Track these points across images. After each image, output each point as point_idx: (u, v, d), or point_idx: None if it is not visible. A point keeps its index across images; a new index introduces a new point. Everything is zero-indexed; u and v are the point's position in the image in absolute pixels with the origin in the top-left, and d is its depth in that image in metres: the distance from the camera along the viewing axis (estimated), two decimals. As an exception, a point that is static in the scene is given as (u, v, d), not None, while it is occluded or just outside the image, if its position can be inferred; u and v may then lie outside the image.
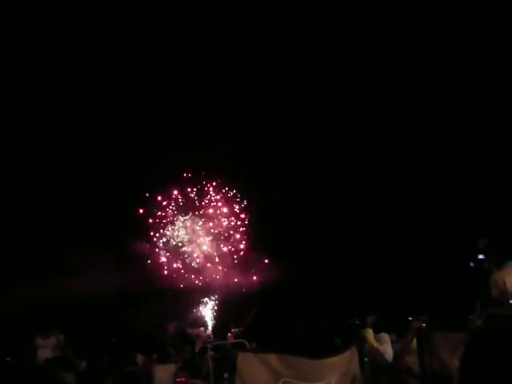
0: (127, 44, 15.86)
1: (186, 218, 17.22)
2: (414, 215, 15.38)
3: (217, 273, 16.95)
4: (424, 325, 4.58)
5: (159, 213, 17.08)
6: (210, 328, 14.03)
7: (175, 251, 17.05)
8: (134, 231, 16.24)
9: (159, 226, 17.03)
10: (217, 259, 17.06)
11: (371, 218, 16.23)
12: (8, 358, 9.99)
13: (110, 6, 14.97)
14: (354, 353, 3.45)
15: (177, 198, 17.20)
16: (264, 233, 17.16)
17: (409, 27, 15.16)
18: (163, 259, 16.77)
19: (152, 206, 16.91)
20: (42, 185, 15.29)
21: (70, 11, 14.89)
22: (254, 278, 16.37)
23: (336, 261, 15.92)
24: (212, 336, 12.62)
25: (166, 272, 16.67)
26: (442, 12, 14.63)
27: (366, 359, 3.84)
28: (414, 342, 5.90)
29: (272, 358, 3.26)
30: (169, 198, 17.20)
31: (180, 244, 17.09)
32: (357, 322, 7.39)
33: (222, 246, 17.34)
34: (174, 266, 16.84)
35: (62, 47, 15.41)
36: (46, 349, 9.56)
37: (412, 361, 5.75)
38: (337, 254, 16.03)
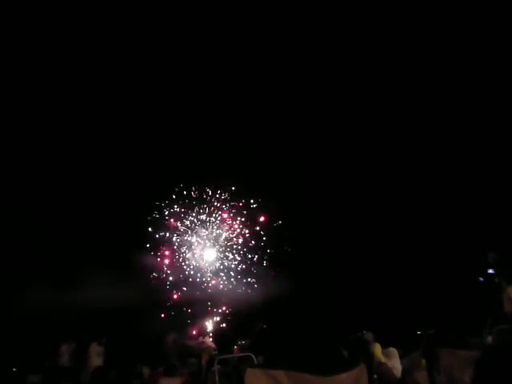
0: (141, 74, 16.10)
1: (193, 227, 17.25)
2: (423, 228, 15.23)
3: (222, 285, 16.90)
4: (432, 341, 4.53)
5: (167, 223, 17.11)
6: (210, 339, 13.91)
7: (180, 263, 17.06)
8: (139, 245, 16.30)
9: (166, 238, 17.06)
10: (222, 272, 17.03)
11: (379, 230, 16.10)
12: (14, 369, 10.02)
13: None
14: (363, 370, 3.40)
15: (184, 212, 17.26)
16: (271, 245, 17.12)
17: (409, 27, 15.13)
18: (168, 271, 16.76)
19: (159, 221, 16.97)
20: (56, 199, 15.44)
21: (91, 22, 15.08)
22: (261, 290, 16.26)
23: (343, 273, 15.80)
24: (216, 348, 12.53)
25: (168, 286, 16.63)
26: (442, 12, 14.63)
27: (374, 376, 3.79)
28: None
29: (280, 375, 3.23)
30: (176, 213, 17.25)
31: (185, 255, 17.09)
32: (364, 335, 7.26)
33: (228, 257, 17.31)
34: (180, 277, 16.81)
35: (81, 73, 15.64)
36: (99, 357, 9.67)
37: (421, 376, 5.69)
38: (344, 266, 15.91)
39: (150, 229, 16.68)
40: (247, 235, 17.25)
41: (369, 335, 6.90)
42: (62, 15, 14.93)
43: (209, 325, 16.02)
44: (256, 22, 15.78)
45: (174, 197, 17.03)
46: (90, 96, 16.00)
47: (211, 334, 15.07)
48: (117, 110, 16.36)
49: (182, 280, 16.79)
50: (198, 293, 16.53)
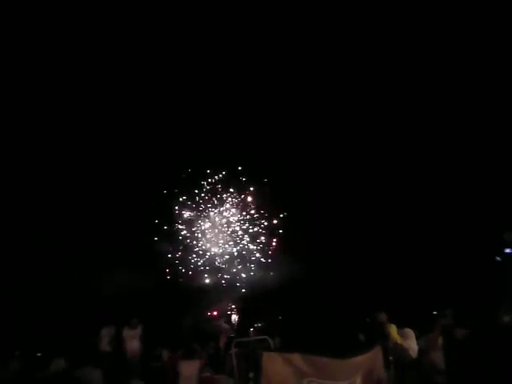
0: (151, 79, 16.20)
1: (212, 214, 17.41)
2: (439, 210, 15.15)
3: (238, 269, 17.08)
4: (449, 321, 4.52)
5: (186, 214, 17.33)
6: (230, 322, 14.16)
7: (199, 249, 17.28)
8: (161, 233, 16.63)
9: (185, 226, 17.31)
10: (238, 257, 17.20)
11: (396, 211, 16.07)
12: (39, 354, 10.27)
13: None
14: (379, 352, 3.43)
15: (203, 199, 17.44)
16: (288, 230, 17.17)
17: (409, 27, 15.01)
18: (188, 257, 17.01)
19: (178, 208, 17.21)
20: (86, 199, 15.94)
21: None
22: (276, 274, 16.38)
23: (359, 256, 15.83)
24: (232, 330, 12.70)
25: (190, 271, 16.89)
26: (442, 12, 14.44)
27: (390, 358, 3.81)
28: (440, 338, 5.83)
29: (296, 358, 3.28)
30: (192, 199, 17.42)
31: (204, 241, 17.29)
32: (377, 315, 7.21)
33: (246, 243, 17.44)
34: (198, 263, 17.04)
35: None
36: (134, 339, 9.55)
37: (437, 357, 5.69)
38: (360, 248, 15.94)
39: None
40: (265, 222, 17.36)
41: (382, 315, 6.87)
42: (62, 15, 15.02)
43: (226, 308, 16.29)
44: (257, 29, 15.80)
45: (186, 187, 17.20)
46: (99, 98, 16.31)
47: (229, 317, 15.33)
48: (140, 111, 16.62)
49: (201, 266, 17.03)
50: (217, 277, 16.79)
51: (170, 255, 16.77)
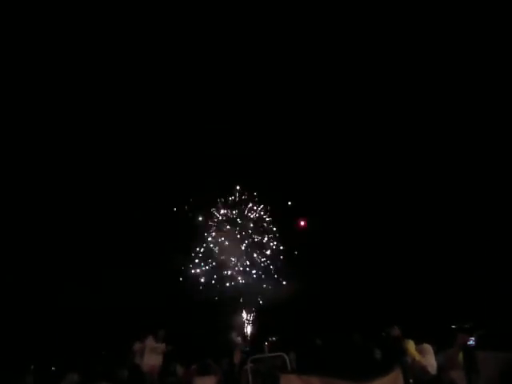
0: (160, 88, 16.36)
1: (223, 229, 17.48)
2: (456, 221, 14.95)
3: (252, 282, 17.02)
4: (471, 342, 4.38)
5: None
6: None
7: (211, 263, 17.30)
8: (173, 248, 16.66)
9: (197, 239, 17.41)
10: (252, 270, 17.16)
11: (411, 223, 15.90)
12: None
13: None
14: (399, 374, 3.33)
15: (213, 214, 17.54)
16: (297, 243, 17.10)
17: (409, 27, 14.95)
18: (198, 271, 17.02)
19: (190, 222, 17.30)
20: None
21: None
22: (289, 286, 16.28)
23: (374, 268, 15.65)
24: (246, 344, 12.57)
25: (201, 285, 16.88)
26: (442, 12, 14.38)
27: (410, 381, 3.71)
28: (460, 354, 5.65)
29: (315, 381, 3.21)
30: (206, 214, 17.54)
31: (216, 255, 17.32)
32: (391, 330, 7.05)
33: (258, 255, 17.42)
34: (212, 277, 17.04)
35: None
36: (156, 353, 8.65)
37: (458, 375, 5.52)
38: (375, 261, 15.76)
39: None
40: (272, 236, 17.36)
41: (395, 330, 6.72)
42: (62, 15, 15.16)
43: (241, 321, 16.19)
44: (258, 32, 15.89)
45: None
46: (116, 122, 16.52)
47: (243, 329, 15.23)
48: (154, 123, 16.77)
49: (215, 279, 17.01)
50: (229, 290, 16.73)
51: (185, 268, 16.84)
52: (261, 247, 17.40)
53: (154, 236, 15.74)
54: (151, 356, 8.62)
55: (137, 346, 8.77)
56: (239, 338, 12.37)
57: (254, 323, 16.75)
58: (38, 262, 14.80)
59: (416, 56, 15.44)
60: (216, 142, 16.35)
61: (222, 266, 17.09)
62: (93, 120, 16.26)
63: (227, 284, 16.87)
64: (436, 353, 6.74)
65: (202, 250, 17.19)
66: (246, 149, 16.36)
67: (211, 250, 17.27)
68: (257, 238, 17.42)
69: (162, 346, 8.79)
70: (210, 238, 17.32)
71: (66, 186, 15.73)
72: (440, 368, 6.06)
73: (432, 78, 15.36)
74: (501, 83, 13.73)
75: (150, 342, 8.71)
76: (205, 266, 17.03)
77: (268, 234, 17.43)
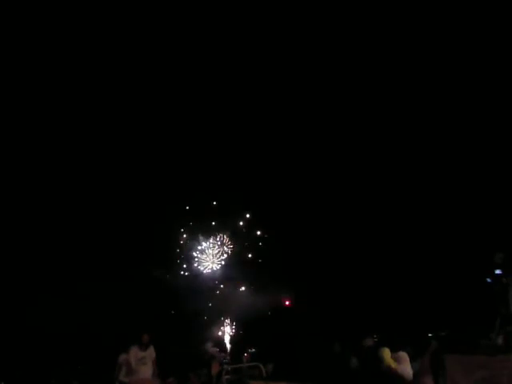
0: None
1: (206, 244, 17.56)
2: (430, 231, 15.19)
3: (233, 294, 16.99)
4: (437, 346, 4.52)
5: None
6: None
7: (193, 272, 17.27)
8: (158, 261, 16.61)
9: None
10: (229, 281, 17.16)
11: (387, 233, 16.10)
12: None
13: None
14: None
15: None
16: (276, 255, 17.19)
17: (409, 27, 15.21)
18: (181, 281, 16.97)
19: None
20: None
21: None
22: (266, 298, 16.31)
23: (350, 277, 15.79)
24: (224, 356, 12.48)
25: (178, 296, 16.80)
26: (441, 12, 14.68)
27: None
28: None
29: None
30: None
31: (197, 264, 17.29)
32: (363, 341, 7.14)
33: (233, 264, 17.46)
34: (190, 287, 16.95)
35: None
36: (145, 364, 7.38)
37: (429, 381, 5.66)
38: (350, 269, 15.90)
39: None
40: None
41: (368, 341, 6.83)
42: (62, 15, 15.16)
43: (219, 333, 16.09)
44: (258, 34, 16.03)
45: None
46: (114, 129, 16.53)
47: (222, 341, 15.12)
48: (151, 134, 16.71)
49: (194, 290, 16.94)
50: (208, 302, 16.67)
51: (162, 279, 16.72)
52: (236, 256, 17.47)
53: (129, 248, 15.64)
54: (139, 367, 7.38)
55: (122, 357, 7.75)
56: (216, 349, 12.27)
57: (234, 335, 16.66)
58: (12, 275, 14.48)
59: (416, 56, 15.63)
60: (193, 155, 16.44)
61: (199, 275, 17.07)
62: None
63: (205, 294, 16.83)
64: (413, 359, 6.89)
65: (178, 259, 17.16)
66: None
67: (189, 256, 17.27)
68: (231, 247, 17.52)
69: (149, 353, 7.52)
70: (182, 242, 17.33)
71: (37, 195, 15.53)
72: (415, 375, 6.19)
73: (432, 78, 15.55)
74: (501, 83, 14.01)
75: (132, 351, 7.48)
76: (184, 272, 16.99)
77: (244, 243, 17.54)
